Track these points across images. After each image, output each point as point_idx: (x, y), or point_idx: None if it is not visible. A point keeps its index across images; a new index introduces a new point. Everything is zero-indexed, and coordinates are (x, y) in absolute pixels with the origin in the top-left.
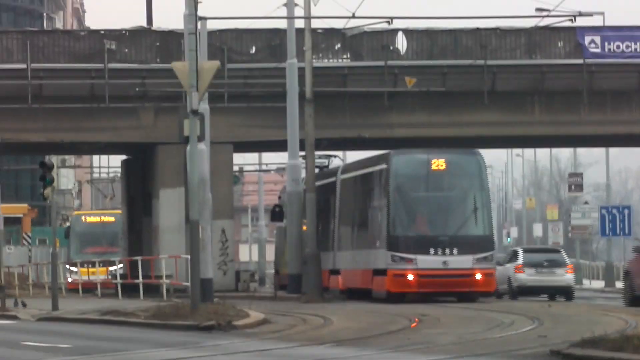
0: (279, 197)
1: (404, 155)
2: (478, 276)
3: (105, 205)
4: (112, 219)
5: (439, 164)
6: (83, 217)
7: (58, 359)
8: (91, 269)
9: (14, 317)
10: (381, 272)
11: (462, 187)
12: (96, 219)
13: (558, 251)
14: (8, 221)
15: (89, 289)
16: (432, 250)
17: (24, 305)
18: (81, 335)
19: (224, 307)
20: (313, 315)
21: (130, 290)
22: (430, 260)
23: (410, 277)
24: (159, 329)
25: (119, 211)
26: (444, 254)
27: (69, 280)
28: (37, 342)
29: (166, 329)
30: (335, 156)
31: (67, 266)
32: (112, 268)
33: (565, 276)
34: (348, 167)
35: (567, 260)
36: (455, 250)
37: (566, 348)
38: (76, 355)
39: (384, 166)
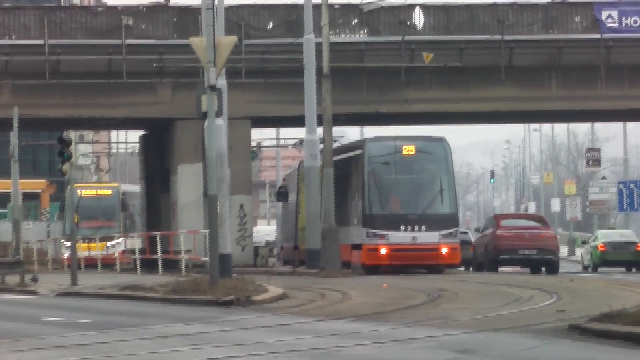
0: (284, 179)
1: (377, 142)
2: (444, 250)
3: (102, 178)
4: (108, 192)
5: (408, 149)
6: (79, 191)
7: (77, 333)
8: (90, 244)
9: (34, 292)
10: (358, 247)
11: (430, 170)
12: (92, 192)
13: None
14: (26, 197)
15: (87, 265)
16: (402, 227)
17: (36, 280)
18: (100, 310)
19: (243, 282)
20: (331, 290)
21: (148, 266)
22: (400, 236)
23: (383, 251)
24: (177, 304)
25: (117, 184)
26: (413, 230)
27: (65, 255)
28: (56, 317)
29: (185, 304)
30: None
31: (63, 241)
32: (110, 243)
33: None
34: (334, 150)
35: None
36: (423, 227)
37: (585, 323)
38: (95, 330)
39: (359, 152)
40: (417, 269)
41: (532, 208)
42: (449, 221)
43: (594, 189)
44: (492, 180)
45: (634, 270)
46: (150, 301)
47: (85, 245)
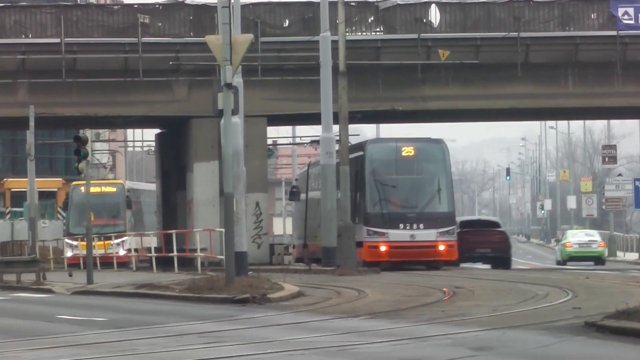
0: (296, 179)
1: (377, 144)
2: (441, 247)
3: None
4: (113, 189)
5: (408, 151)
6: (82, 187)
7: (93, 332)
8: (94, 243)
9: (49, 291)
10: (359, 245)
11: (428, 171)
12: (96, 189)
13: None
14: (43, 195)
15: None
16: (401, 225)
17: (44, 277)
18: (116, 309)
19: (259, 280)
20: (347, 287)
21: (164, 264)
22: (399, 234)
23: (383, 248)
24: (193, 302)
25: (121, 181)
26: (411, 228)
27: (68, 255)
28: (72, 315)
29: (201, 302)
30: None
31: (67, 240)
32: (115, 241)
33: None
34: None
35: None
36: (421, 225)
37: (600, 320)
38: (111, 328)
39: (361, 153)
40: (416, 265)
41: (548, 205)
42: (446, 220)
43: (610, 186)
44: (508, 178)
45: (592, 263)
46: (166, 299)
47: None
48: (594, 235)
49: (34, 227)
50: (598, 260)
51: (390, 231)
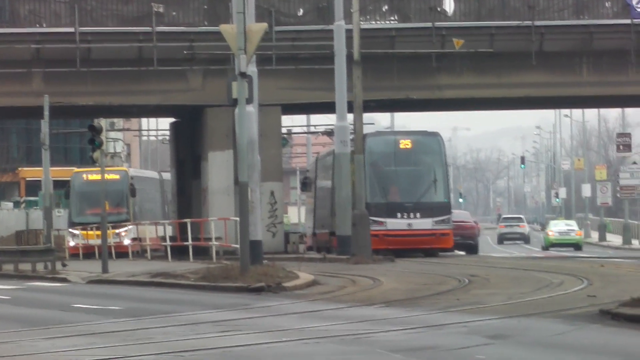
0: (307, 171)
1: (377, 137)
2: (437, 235)
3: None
4: (116, 176)
5: (405, 143)
6: (84, 175)
7: (108, 320)
8: (97, 232)
9: (65, 280)
10: None
11: (425, 163)
12: (99, 176)
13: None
14: (58, 184)
15: (92, 253)
16: (399, 215)
17: (64, 265)
18: (131, 297)
19: (274, 268)
20: (362, 276)
21: (179, 253)
22: (397, 223)
23: (381, 236)
24: (208, 291)
25: (125, 168)
26: (409, 217)
27: (71, 244)
28: (87, 304)
29: (216, 290)
30: None
31: (69, 229)
32: (119, 230)
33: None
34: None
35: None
36: (418, 215)
37: (615, 308)
38: (126, 317)
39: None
40: (414, 252)
41: (562, 193)
42: (442, 209)
43: (625, 174)
44: (522, 166)
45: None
46: (181, 288)
47: (91, 233)
48: (573, 225)
49: (49, 217)
50: (576, 246)
51: (389, 220)
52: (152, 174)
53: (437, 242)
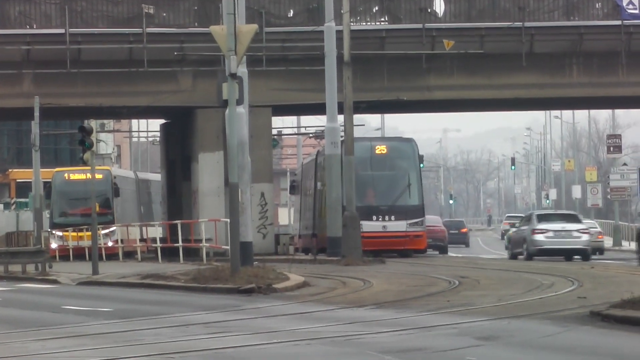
0: (294, 174)
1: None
2: (410, 237)
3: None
4: (99, 176)
5: (381, 149)
6: (66, 175)
7: (98, 322)
8: (79, 234)
9: (55, 282)
10: None
11: (399, 167)
12: (81, 176)
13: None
14: (48, 186)
15: (75, 255)
16: (374, 217)
17: (50, 266)
18: (121, 299)
19: (264, 270)
20: (353, 278)
21: (169, 254)
22: (373, 225)
23: None
24: (199, 293)
25: (108, 167)
26: (383, 220)
27: (52, 246)
28: (77, 305)
29: (206, 292)
30: None
31: (51, 230)
32: (104, 232)
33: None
34: (320, 151)
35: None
36: (392, 217)
37: (606, 309)
38: (117, 318)
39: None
40: (389, 253)
41: (553, 195)
42: (416, 212)
43: (615, 175)
44: (512, 167)
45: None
46: (172, 290)
47: (74, 234)
48: None
49: (39, 218)
50: None
51: (364, 222)
52: (129, 173)
53: (410, 243)
